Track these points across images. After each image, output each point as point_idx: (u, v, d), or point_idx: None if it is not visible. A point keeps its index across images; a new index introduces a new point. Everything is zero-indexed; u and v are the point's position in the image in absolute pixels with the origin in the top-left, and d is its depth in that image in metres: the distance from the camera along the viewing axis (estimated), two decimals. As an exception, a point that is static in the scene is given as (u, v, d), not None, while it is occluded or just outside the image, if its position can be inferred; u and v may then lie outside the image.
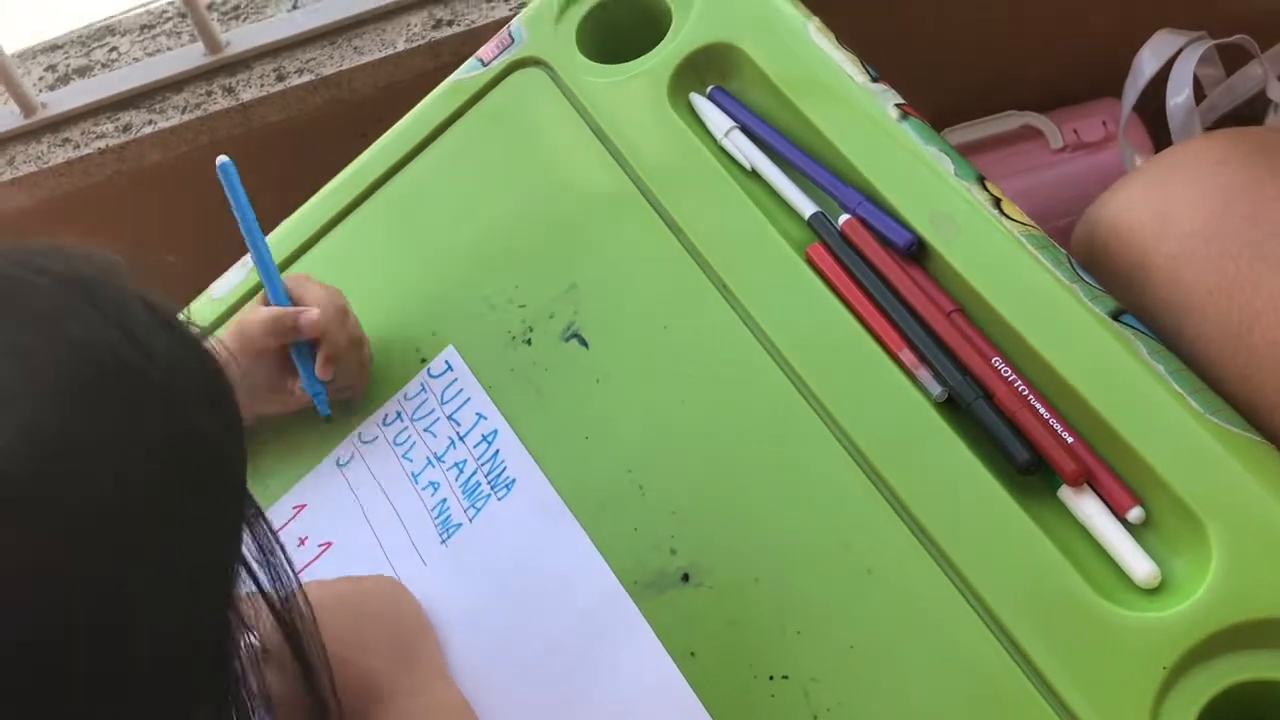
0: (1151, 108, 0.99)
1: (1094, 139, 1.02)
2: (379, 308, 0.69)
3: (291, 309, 0.62)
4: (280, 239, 0.73)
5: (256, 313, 0.63)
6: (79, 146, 0.97)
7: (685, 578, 0.56)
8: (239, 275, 0.74)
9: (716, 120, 0.65)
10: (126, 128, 0.97)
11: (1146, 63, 0.98)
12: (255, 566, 0.42)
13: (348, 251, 0.72)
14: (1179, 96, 0.96)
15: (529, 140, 0.70)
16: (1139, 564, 0.49)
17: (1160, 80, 0.97)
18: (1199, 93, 0.97)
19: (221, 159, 0.62)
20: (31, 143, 0.99)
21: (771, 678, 0.53)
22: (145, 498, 0.35)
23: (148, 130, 0.97)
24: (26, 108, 0.98)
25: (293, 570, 0.45)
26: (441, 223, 0.70)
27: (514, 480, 0.61)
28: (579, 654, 0.56)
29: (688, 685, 0.53)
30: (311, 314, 0.62)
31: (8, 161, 0.99)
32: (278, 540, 0.44)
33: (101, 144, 0.97)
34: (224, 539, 0.39)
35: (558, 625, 0.57)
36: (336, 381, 0.64)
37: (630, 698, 0.54)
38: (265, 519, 0.42)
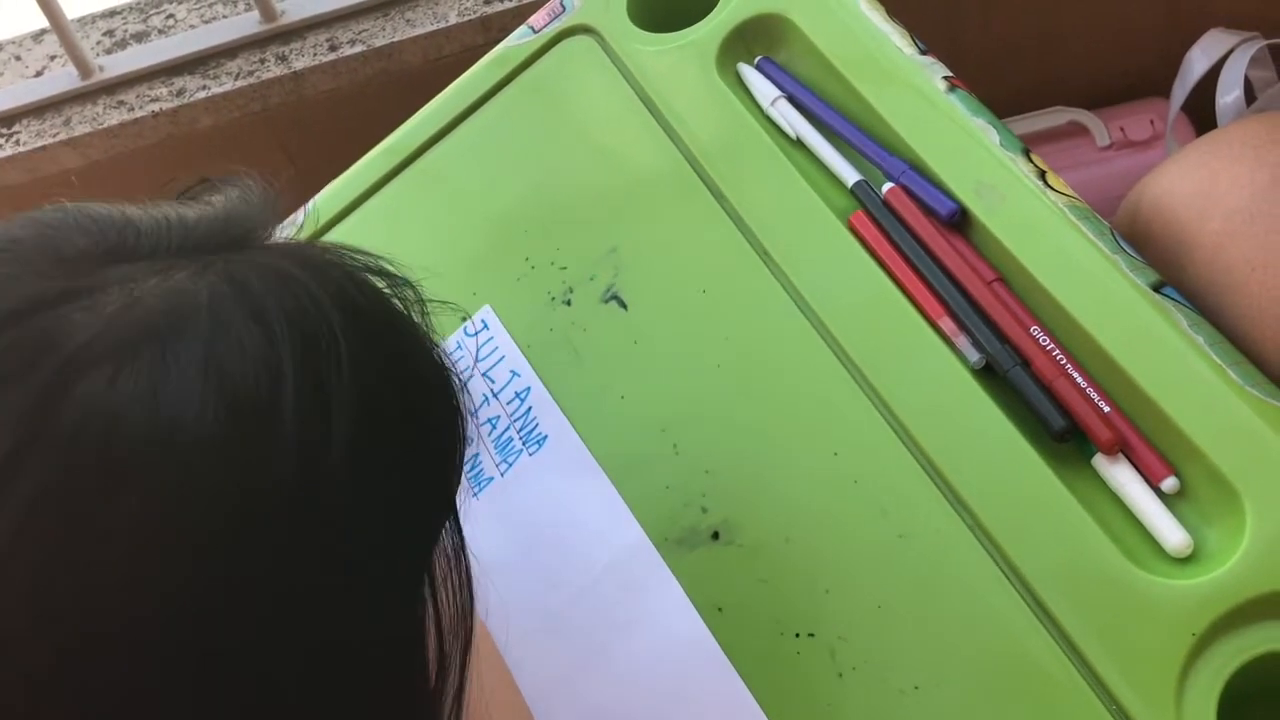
0: (1200, 108, 0.99)
1: (1141, 137, 1.02)
2: (421, 267, 0.69)
3: None
4: (327, 199, 0.74)
5: None
6: (133, 109, 0.99)
7: (716, 535, 0.56)
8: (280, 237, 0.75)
9: (763, 90, 0.66)
10: (180, 92, 0.99)
11: (1197, 62, 0.97)
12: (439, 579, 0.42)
13: (393, 213, 0.73)
14: (1229, 96, 0.95)
15: (575, 107, 0.71)
16: (1171, 532, 0.49)
17: (1210, 80, 0.97)
18: (1250, 94, 0.97)
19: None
20: (88, 104, 1.01)
21: (798, 635, 0.53)
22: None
23: (201, 95, 0.99)
24: (84, 70, 1.00)
25: (472, 593, 0.45)
26: (486, 186, 0.71)
27: (546, 436, 0.61)
28: (606, 606, 0.56)
29: (714, 639, 0.54)
30: None
31: (64, 122, 1.01)
32: (467, 562, 0.44)
33: (155, 107, 0.99)
34: (418, 539, 0.40)
35: (585, 578, 0.57)
36: None
37: (655, 650, 0.55)
38: (463, 541, 0.43)
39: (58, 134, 1.00)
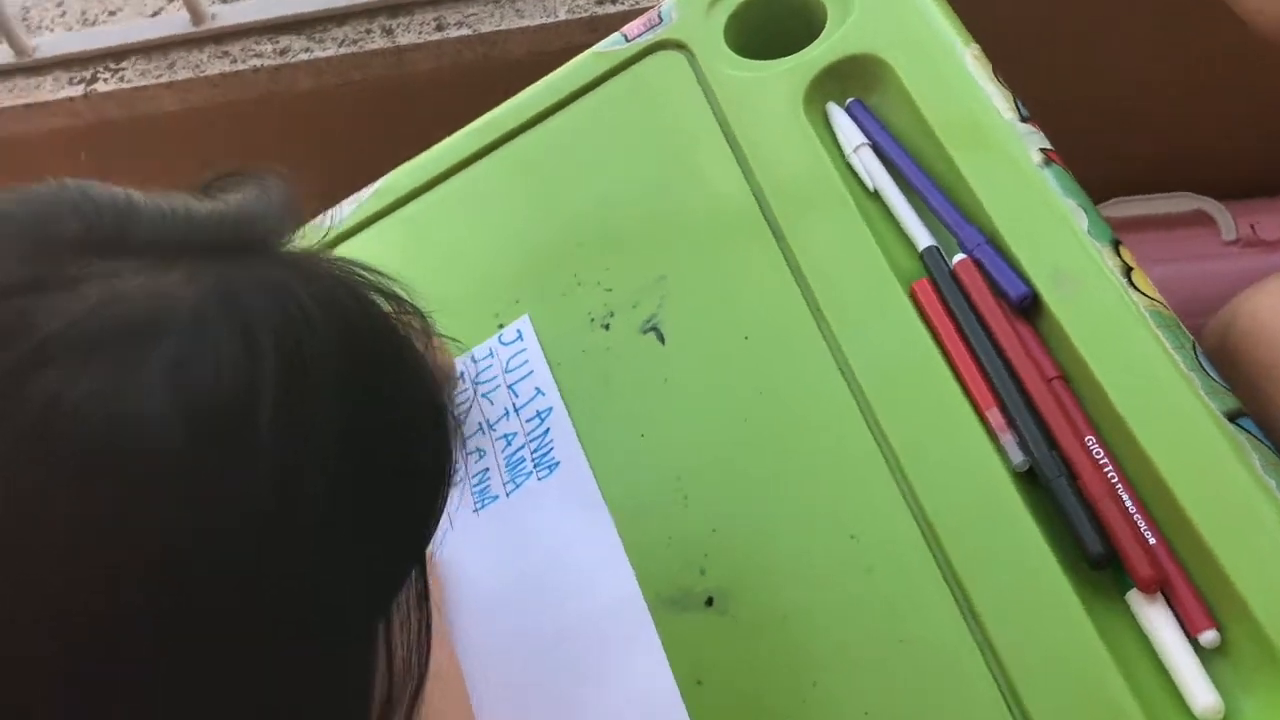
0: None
1: (1272, 237, 0.95)
2: (470, 264, 0.67)
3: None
4: (399, 178, 0.72)
5: None
6: (236, 61, 0.99)
7: (710, 601, 0.52)
8: (349, 208, 0.73)
9: (848, 134, 0.61)
10: (284, 51, 0.98)
11: (1345, 166, 0.90)
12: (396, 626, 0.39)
13: (457, 203, 0.71)
14: (1376, 207, 0.88)
15: (654, 123, 0.67)
16: (1202, 693, 0.43)
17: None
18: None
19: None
20: (194, 50, 1.01)
21: (776, 727, 0.49)
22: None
23: (303, 57, 0.98)
24: (197, 16, 1.00)
25: (429, 641, 0.42)
26: (551, 191, 0.68)
27: (558, 463, 0.58)
28: (582, 656, 0.53)
29: (686, 713, 0.50)
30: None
31: (168, 65, 1.01)
32: (428, 611, 0.41)
33: (257, 62, 0.98)
34: (386, 575, 0.38)
35: (570, 620, 0.54)
36: None
37: (624, 711, 0.51)
38: (427, 589, 0.41)
39: (161, 75, 1.00)
